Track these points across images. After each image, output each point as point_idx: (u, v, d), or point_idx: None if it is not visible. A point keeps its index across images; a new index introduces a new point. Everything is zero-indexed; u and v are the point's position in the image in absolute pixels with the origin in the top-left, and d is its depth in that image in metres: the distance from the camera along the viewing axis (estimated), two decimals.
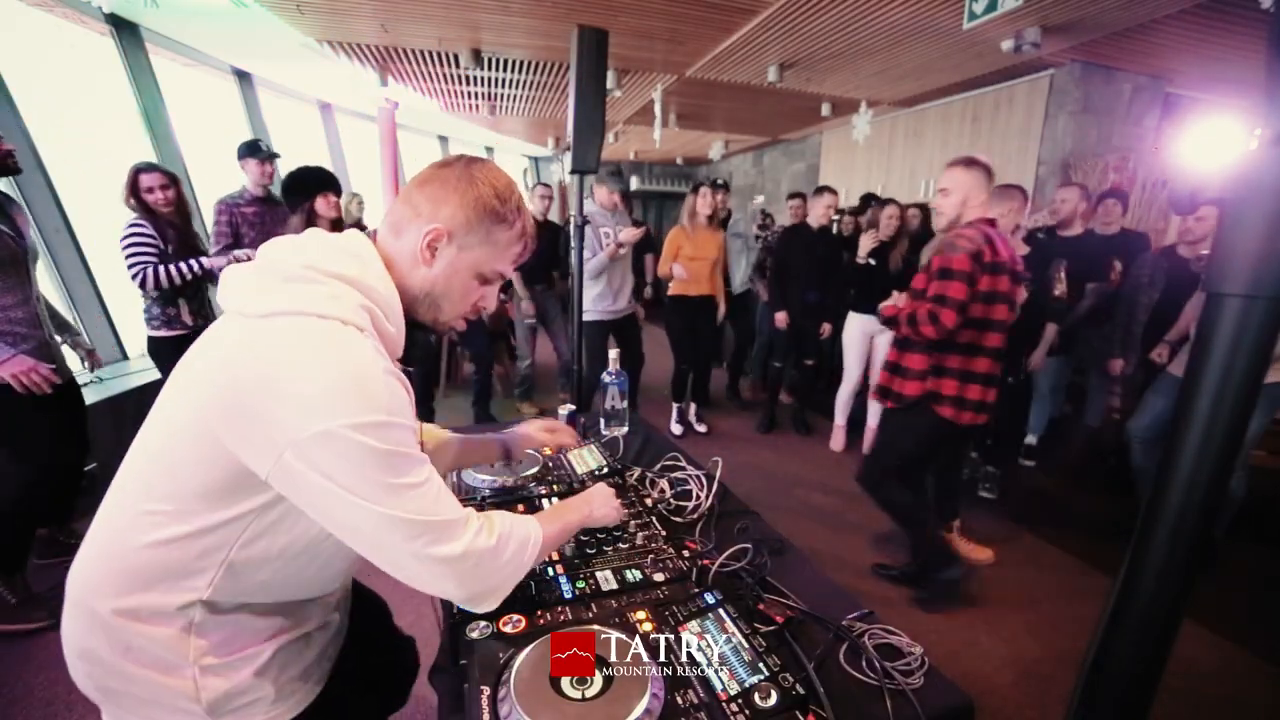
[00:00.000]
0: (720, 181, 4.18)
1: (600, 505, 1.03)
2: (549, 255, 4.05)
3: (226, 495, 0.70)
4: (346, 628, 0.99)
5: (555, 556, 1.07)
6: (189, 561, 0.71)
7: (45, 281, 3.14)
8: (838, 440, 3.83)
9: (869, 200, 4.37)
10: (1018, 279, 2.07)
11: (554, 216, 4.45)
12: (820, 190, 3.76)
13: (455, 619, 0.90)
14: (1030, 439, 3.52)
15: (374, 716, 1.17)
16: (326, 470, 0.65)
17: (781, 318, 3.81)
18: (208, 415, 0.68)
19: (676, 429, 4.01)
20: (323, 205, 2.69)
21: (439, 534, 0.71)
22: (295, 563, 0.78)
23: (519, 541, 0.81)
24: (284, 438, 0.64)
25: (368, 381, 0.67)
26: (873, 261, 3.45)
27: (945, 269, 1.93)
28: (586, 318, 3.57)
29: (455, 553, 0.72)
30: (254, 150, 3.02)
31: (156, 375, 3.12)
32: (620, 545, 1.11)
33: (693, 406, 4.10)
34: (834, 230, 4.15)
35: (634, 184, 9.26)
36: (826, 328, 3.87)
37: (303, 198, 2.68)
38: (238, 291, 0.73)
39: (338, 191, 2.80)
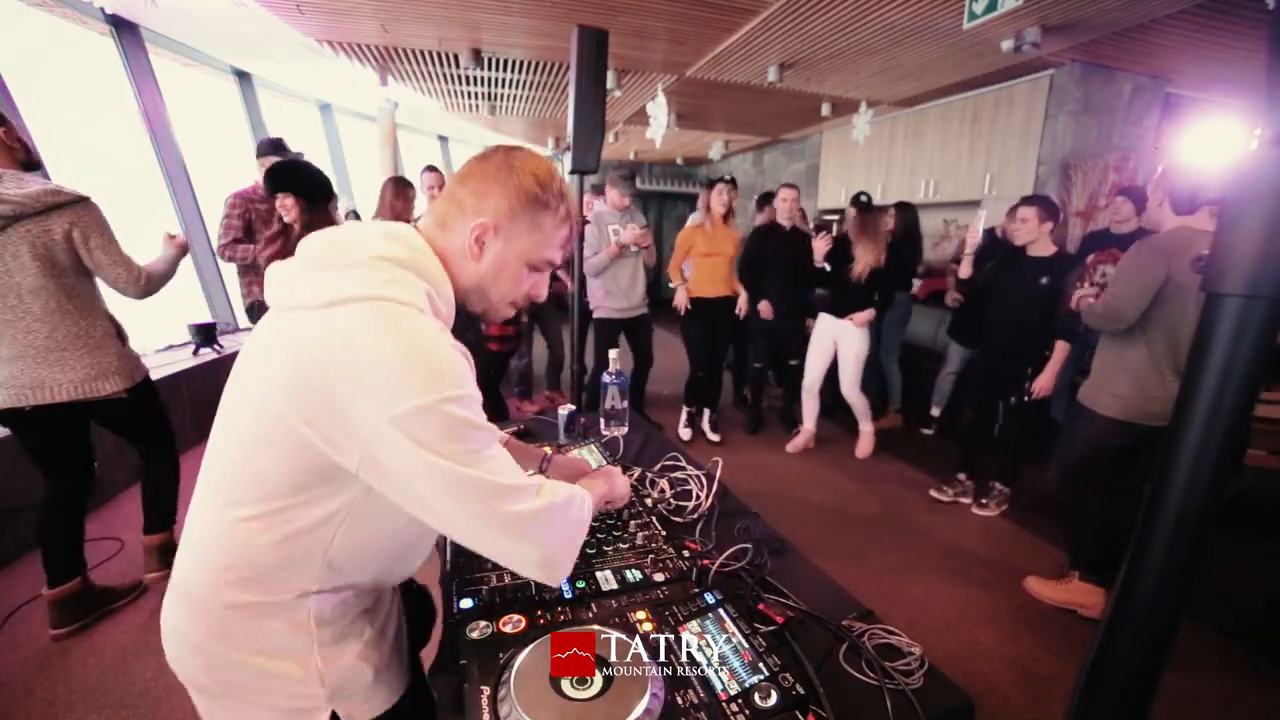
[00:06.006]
0: (765, 194, 4.14)
1: (620, 485, 1.14)
2: None
3: (315, 490, 0.71)
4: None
5: None
6: (296, 558, 0.74)
7: None
8: (796, 443, 3.75)
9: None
10: None
11: None
12: (783, 187, 3.73)
13: (455, 618, 0.90)
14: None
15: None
16: (419, 442, 0.65)
17: (765, 306, 3.67)
18: (286, 415, 0.68)
19: (684, 433, 3.94)
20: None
21: (517, 495, 0.72)
22: (386, 555, 0.82)
23: (580, 499, 0.84)
24: (376, 417, 0.65)
25: (442, 358, 0.69)
26: (828, 266, 3.38)
27: None
28: (598, 315, 3.57)
29: (533, 509, 0.73)
30: (279, 148, 3.02)
31: (163, 373, 3.11)
32: (620, 545, 1.11)
33: (707, 413, 3.98)
34: (808, 228, 4.13)
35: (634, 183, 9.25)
36: (811, 322, 3.82)
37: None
38: (289, 286, 0.73)
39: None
